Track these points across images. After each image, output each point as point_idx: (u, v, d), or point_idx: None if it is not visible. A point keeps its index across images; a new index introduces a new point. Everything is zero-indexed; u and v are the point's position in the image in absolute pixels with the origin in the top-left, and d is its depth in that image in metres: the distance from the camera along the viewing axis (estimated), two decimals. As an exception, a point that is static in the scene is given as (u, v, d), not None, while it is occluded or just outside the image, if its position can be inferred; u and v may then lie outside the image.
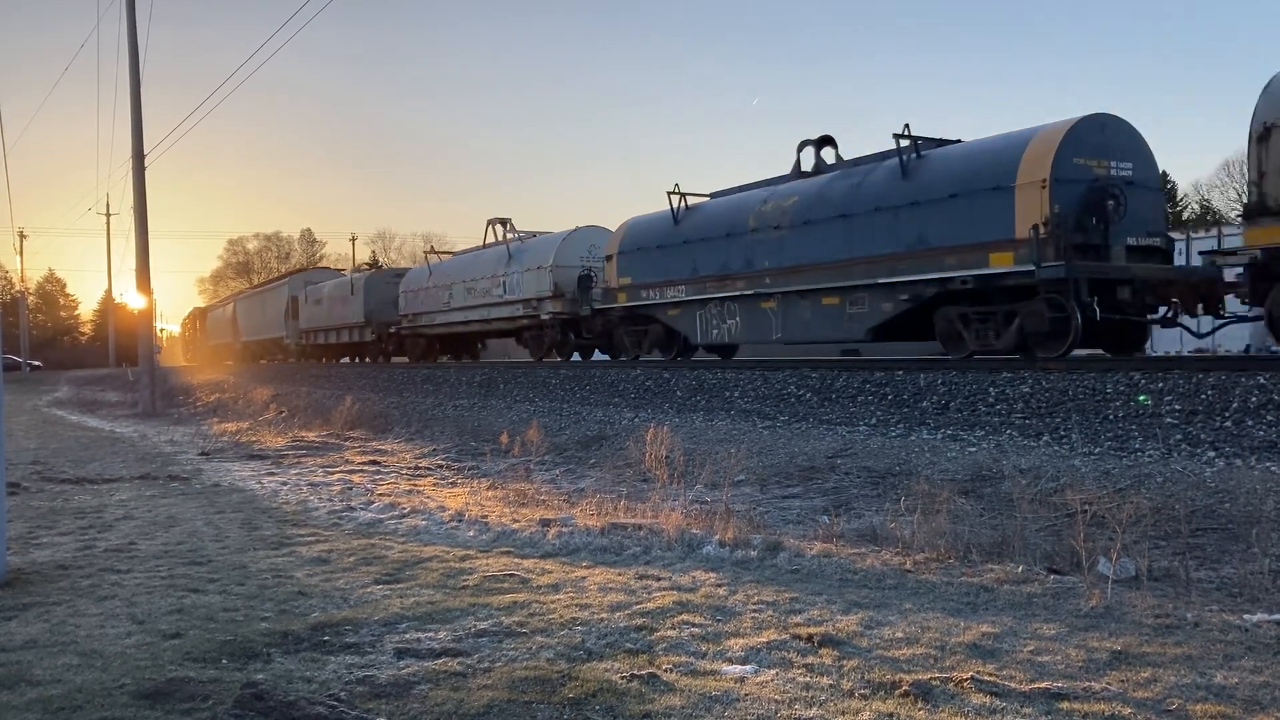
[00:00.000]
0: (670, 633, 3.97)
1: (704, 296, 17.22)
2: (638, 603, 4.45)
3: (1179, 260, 14.78)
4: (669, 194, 18.46)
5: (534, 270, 22.88)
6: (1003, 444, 8.55)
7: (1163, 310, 12.36)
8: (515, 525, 6.58)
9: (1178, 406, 8.46)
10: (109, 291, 68.77)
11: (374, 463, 11.04)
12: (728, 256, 16.75)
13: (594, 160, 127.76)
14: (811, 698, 3.20)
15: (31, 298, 79.69)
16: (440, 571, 5.21)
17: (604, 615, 4.25)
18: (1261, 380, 8.31)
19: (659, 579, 4.95)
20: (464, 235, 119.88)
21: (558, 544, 5.96)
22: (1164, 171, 54.39)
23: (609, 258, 20.09)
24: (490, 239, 26.59)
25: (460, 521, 6.82)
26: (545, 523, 6.55)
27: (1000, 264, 12.12)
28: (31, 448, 13.76)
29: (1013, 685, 3.25)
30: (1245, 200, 11.74)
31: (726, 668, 3.52)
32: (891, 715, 3.04)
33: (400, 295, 30.17)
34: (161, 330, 74.96)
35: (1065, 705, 3.08)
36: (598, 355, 23.00)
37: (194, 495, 8.51)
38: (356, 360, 35.62)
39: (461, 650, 3.77)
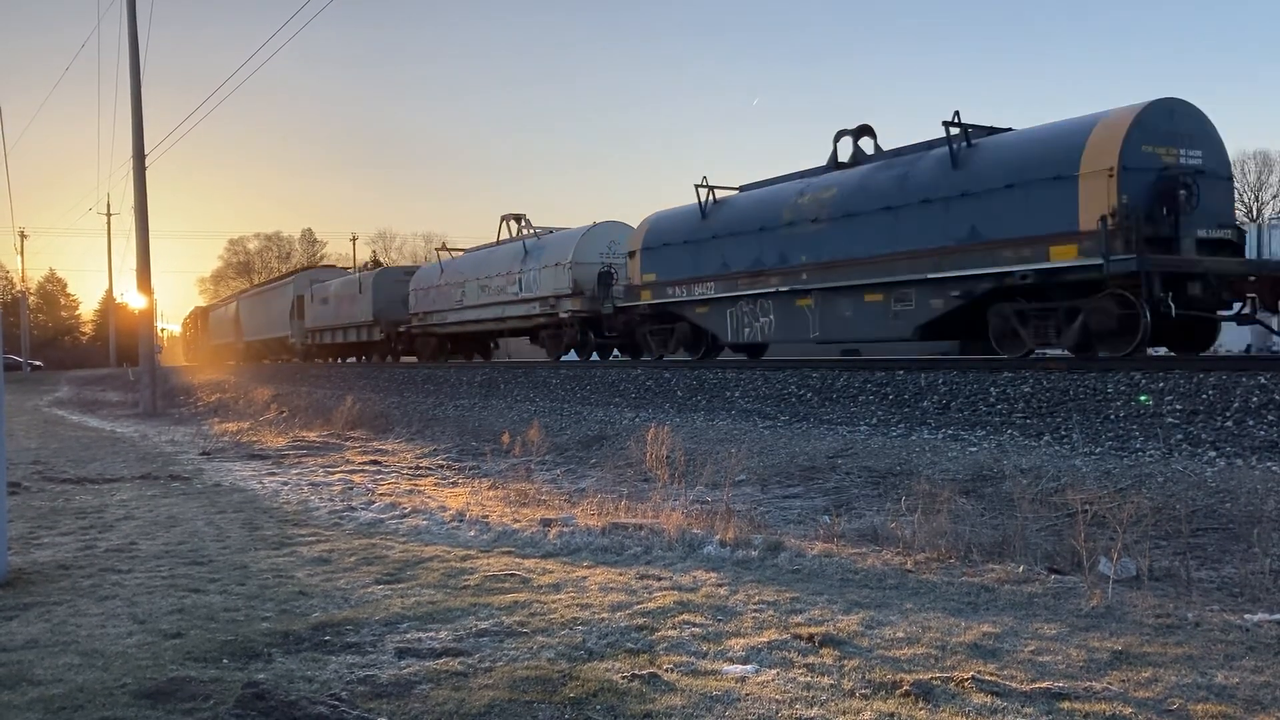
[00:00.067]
0: (671, 632, 3.98)
1: (735, 294, 16.49)
2: (639, 602, 4.45)
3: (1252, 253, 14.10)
4: (696, 187, 17.66)
5: (552, 267, 22.15)
6: (1004, 444, 8.55)
7: (1237, 306, 11.74)
8: (516, 525, 6.58)
9: (1179, 406, 8.46)
10: (110, 291, 68.86)
11: (375, 463, 11.05)
12: (761, 252, 15.99)
13: (594, 160, 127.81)
14: (812, 697, 3.20)
15: (32, 298, 79.72)
16: (441, 571, 5.21)
17: (605, 615, 4.25)
18: (1262, 380, 8.31)
19: (660, 579, 4.95)
20: (464, 235, 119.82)
21: (559, 544, 5.96)
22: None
23: (632, 254, 19.35)
24: (504, 235, 25.85)
25: (461, 521, 6.83)
26: (546, 522, 6.55)
27: (1063, 258, 11.44)
28: (32, 447, 13.76)
29: (1014, 685, 3.25)
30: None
31: (727, 667, 3.53)
32: (892, 715, 3.04)
33: (410, 293, 29.41)
34: (162, 330, 75.01)
35: (1066, 705, 3.08)
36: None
37: (195, 495, 8.52)
38: (364, 360, 34.91)
39: (462, 650, 3.77)
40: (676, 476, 7.28)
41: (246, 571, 5.30)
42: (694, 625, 4.08)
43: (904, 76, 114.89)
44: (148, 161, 22.62)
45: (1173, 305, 10.79)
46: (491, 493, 8.22)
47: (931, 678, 3.32)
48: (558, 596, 4.62)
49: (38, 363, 66.88)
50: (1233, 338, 18.79)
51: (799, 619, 4.15)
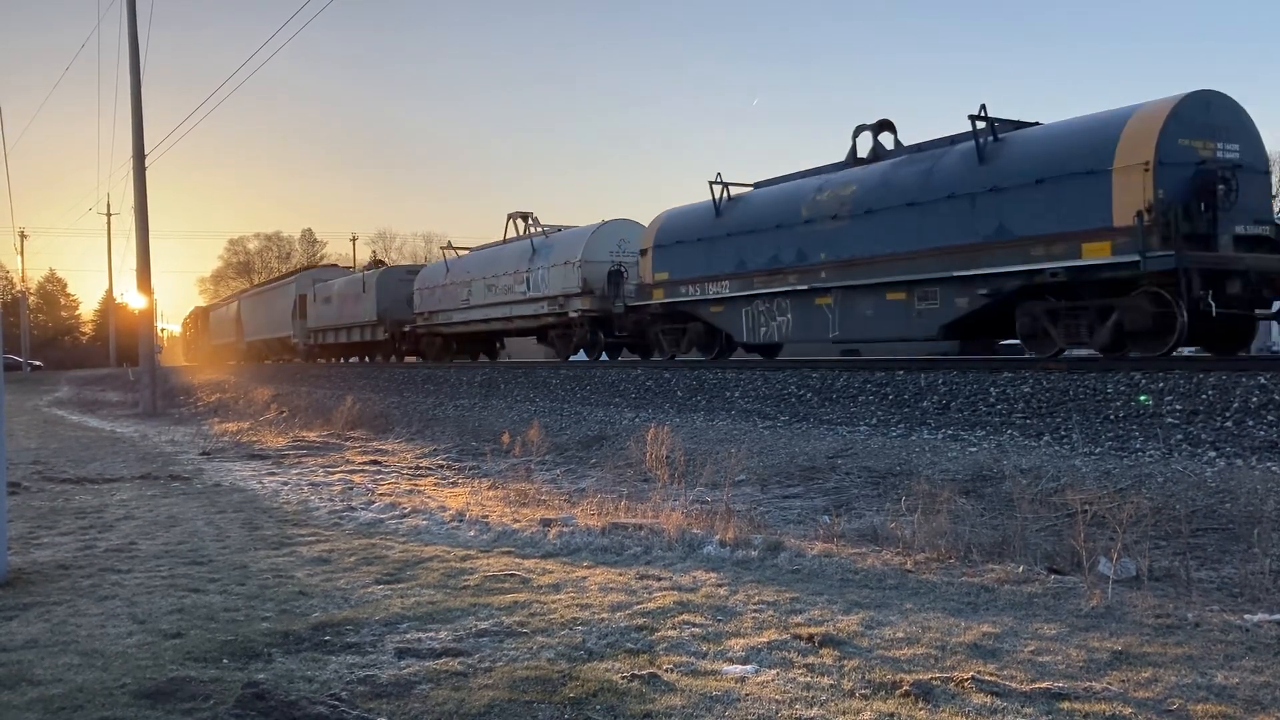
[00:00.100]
0: (671, 633, 3.97)
1: (751, 292, 16.14)
2: (638, 603, 4.45)
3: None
4: (711, 184, 17.28)
5: (560, 266, 21.75)
6: (1003, 444, 8.55)
7: (1277, 305, 11.50)
8: (516, 525, 6.58)
9: (1178, 406, 8.46)
10: (110, 291, 68.87)
11: (375, 463, 11.05)
12: (778, 249, 15.62)
13: (594, 160, 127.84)
14: (812, 698, 3.20)
15: (32, 298, 79.74)
16: (441, 571, 5.21)
17: (605, 615, 4.25)
18: (1262, 380, 8.31)
19: (660, 579, 4.95)
20: (464, 235, 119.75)
21: (558, 544, 5.96)
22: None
23: (644, 252, 18.96)
24: (511, 234, 25.45)
25: (461, 521, 6.82)
26: (546, 523, 6.55)
27: (1096, 255, 11.08)
28: (32, 447, 13.76)
29: (1013, 685, 3.25)
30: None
31: (727, 668, 3.53)
32: (892, 715, 3.04)
33: (415, 293, 29.03)
34: (162, 330, 75.05)
35: (1066, 705, 3.08)
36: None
37: (195, 495, 8.52)
38: (367, 360, 34.44)
39: (462, 650, 3.77)
40: (676, 476, 7.28)
41: (246, 571, 5.30)
42: (694, 625, 4.08)
43: (904, 76, 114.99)
44: (148, 161, 22.64)
45: (1213, 304, 10.47)
46: (491, 493, 8.22)
47: (931, 678, 3.32)
48: (557, 596, 4.62)
49: (37, 363, 66.88)
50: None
51: (799, 619, 4.15)
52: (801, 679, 3.38)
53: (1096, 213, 11.16)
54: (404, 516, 7.14)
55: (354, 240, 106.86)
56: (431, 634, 4.00)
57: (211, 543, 6.18)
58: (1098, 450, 7.90)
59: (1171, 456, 7.42)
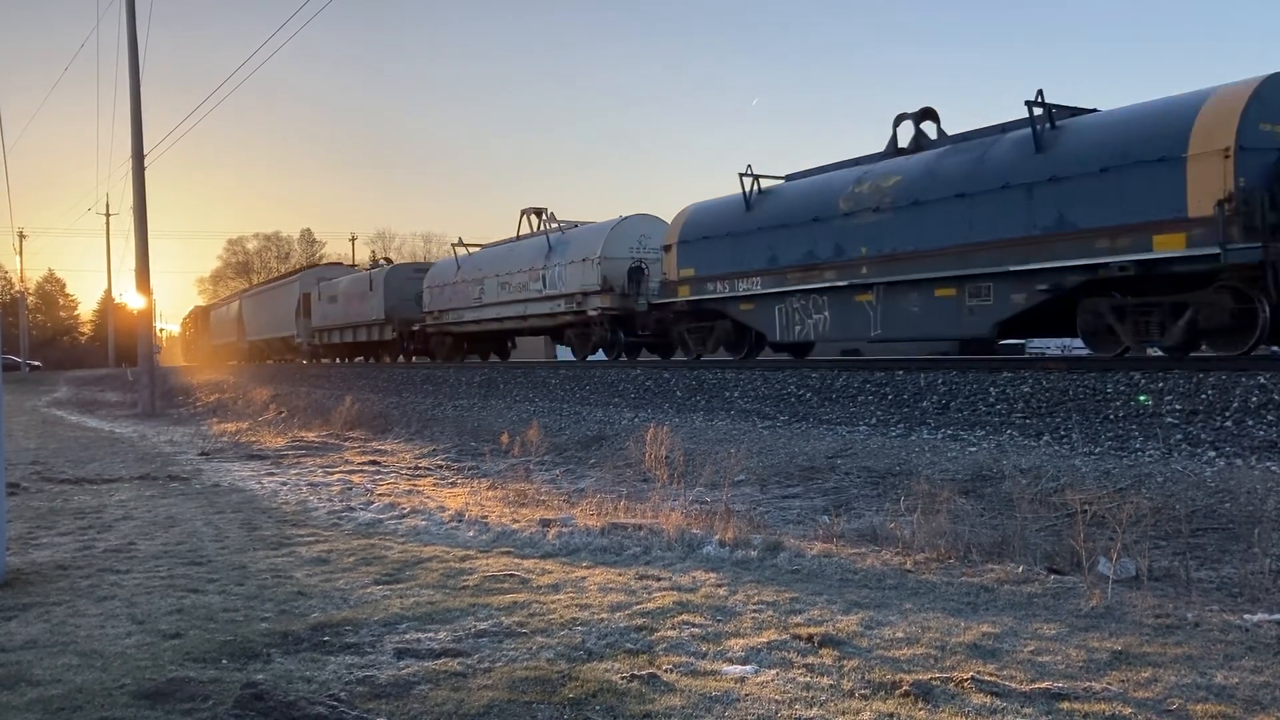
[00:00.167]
0: (670, 633, 3.97)
1: (785, 289, 15.34)
2: (638, 603, 4.45)
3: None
4: (741, 176, 16.43)
5: (579, 262, 20.85)
6: (1003, 444, 8.55)
7: None
8: (515, 525, 6.58)
9: (1178, 406, 8.46)
10: (109, 291, 68.93)
11: (374, 463, 11.04)
12: (814, 244, 14.81)
13: (594, 160, 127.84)
14: (812, 698, 3.20)
15: (31, 298, 79.73)
16: (440, 572, 5.21)
17: (604, 615, 4.25)
18: (1262, 380, 8.31)
19: (659, 579, 4.95)
20: (464, 235, 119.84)
21: (558, 544, 5.96)
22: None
23: (667, 248, 18.13)
24: (525, 230, 24.67)
25: (460, 522, 6.82)
26: (545, 523, 6.55)
27: (1168, 247, 10.35)
28: (31, 448, 13.75)
29: (1013, 685, 3.25)
30: None
31: (727, 668, 3.52)
32: (892, 715, 3.03)
33: (424, 291, 28.05)
34: (161, 330, 75.09)
35: (1066, 705, 3.08)
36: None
37: (194, 495, 8.51)
38: (374, 361, 33.60)
39: (461, 650, 3.77)
40: (675, 476, 7.28)
41: (245, 572, 5.30)
42: (693, 625, 4.07)
43: (905, 75, 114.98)
44: (147, 161, 22.63)
45: None
46: (490, 493, 8.21)
47: (931, 678, 3.32)
48: (557, 597, 4.62)
49: (36, 363, 66.87)
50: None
51: (798, 619, 4.14)
52: (801, 679, 3.38)
53: (1169, 203, 10.44)
54: (403, 517, 7.13)
55: (353, 240, 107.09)
56: (431, 634, 4.00)
57: (210, 543, 6.18)
58: (1097, 450, 7.90)
59: (1171, 456, 7.42)
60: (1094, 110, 12.42)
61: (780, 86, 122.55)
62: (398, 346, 31.04)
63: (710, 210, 17.74)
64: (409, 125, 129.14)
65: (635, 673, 3.43)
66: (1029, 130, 12.01)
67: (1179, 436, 7.84)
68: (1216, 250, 9.95)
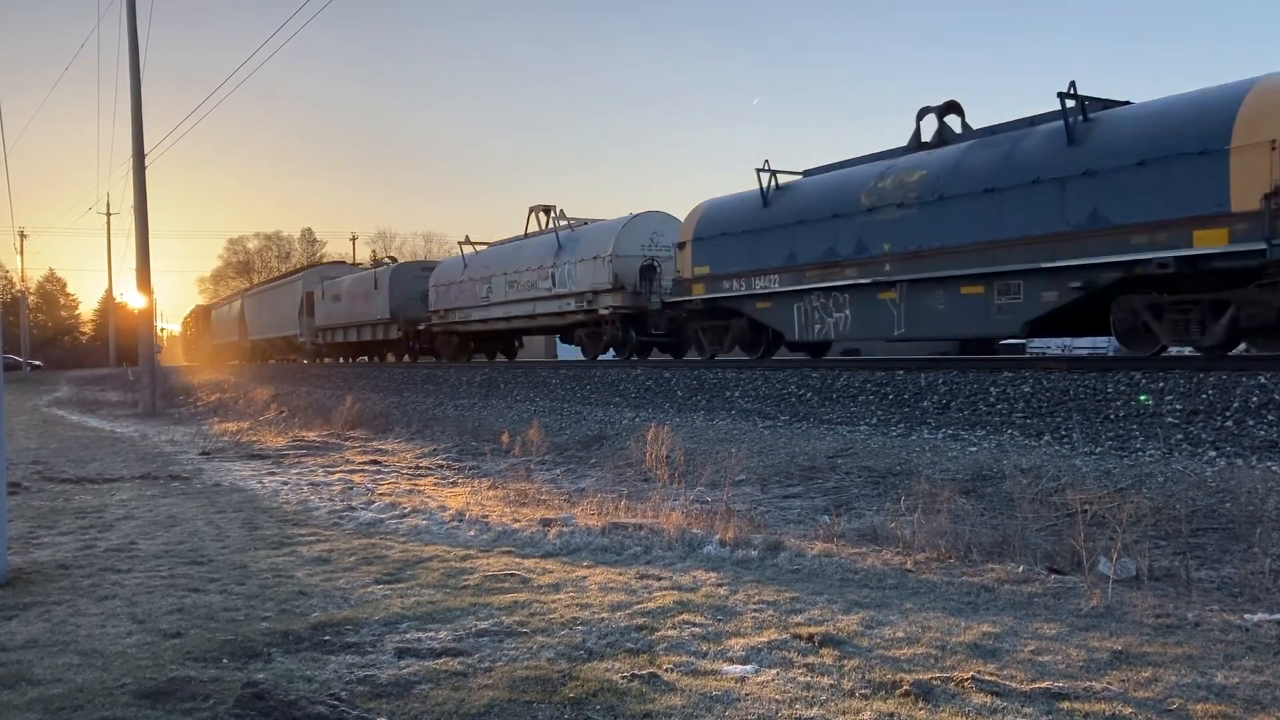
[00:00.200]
0: (671, 632, 3.97)
1: (804, 287, 14.95)
2: (638, 602, 4.45)
3: None
4: (758, 171, 16.06)
5: (589, 260, 20.48)
6: (1004, 443, 8.55)
7: None
8: (516, 525, 6.58)
9: (1178, 406, 8.46)
10: (109, 291, 68.98)
11: (375, 462, 11.05)
12: (835, 240, 14.41)
13: (594, 160, 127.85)
14: (812, 697, 3.20)
15: (32, 297, 79.79)
16: (441, 571, 5.21)
17: (605, 615, 4.25)
18: (1262, 380, 8.31)
19: (660, 579, 4.95)
20: (465, 235, 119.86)
21: (558, 544, 5.96)
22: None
23: (681, 245, 17.67)
24: (533, 228, 24.21)
25: (461, 521, 6.82)
26: (546, 522, 6.55)
27: (1210, 243, 10.00)
28: (32, 447, 13.76)
29: (1013, 685, 3.25)
30: None
31: (727, 667, 3.52)
32: (892, 715, 3.04)
33: (430, 290, 27.68)
34: (162, 330, 75.09)
35: (1066, 705, 3.08)
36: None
37: (195, 495, 8.52)
38: (378, 360, 33.34)
39: (462, 650, 3.77)
40: (676, 476, 7.28)
41: (246, 571, 5.30)
42: (694, 625, 4.08)
43: (905, 75, 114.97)
44: (147, 161, 22.65)
45: None
46: (491, 492, 8.22)
47: (931, 678, 3.32)
48: (557, 596, 4.62)
49: (37, 362, 66.93)
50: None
51: (799, 619, 4.15)
52: (801, 679, 3.38)
53: (1210, 197, 10.07)
54: (404, 516, 7.14)
55: (354, 240, 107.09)
56: (431, 634, 4.00)
57: (211, 542, 6.18)
58: (1098, 450, 7.90)
59: (1171, 456, 7.42)
60: (1127, 103, 12.09)
61: (780, 86, 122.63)
62: (403, 346, 30.69)
63: (726, 206, 17.33)
64: (409, 125, 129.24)
65: (636, 672, 3.43)
66: (1060, 123, 11.69)
67: (1179, 436, 7.84)
68: (1262, 246, 9.61)
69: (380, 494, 8.35)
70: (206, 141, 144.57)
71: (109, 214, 62.42)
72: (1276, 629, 3.84)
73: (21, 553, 5.88)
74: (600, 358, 20.89)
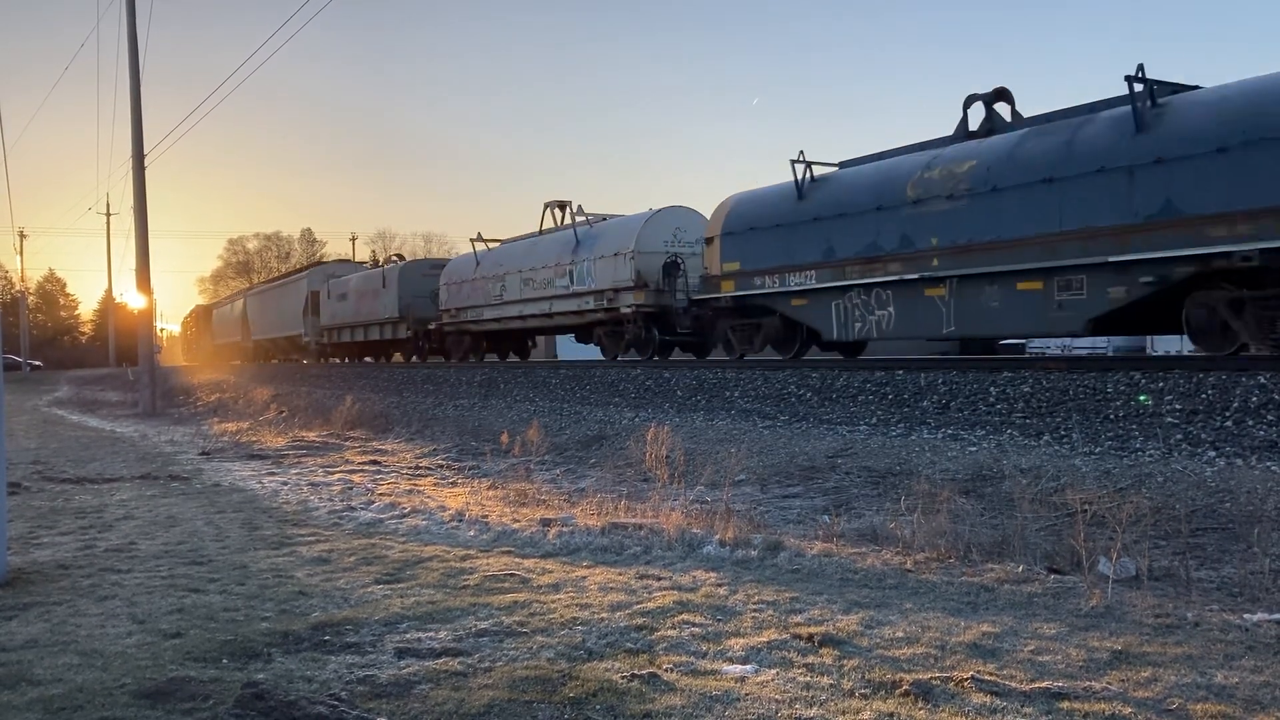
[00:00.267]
0: (671, 632, 3.98)
1: (843, 283, 14.23)
2: (638, 602, 4.45)
3: None
4: (793, 163, 15.36)
5: (610, 257, 19.68)
6: (1003, 443, 8.55)
7: None
8: (516, 525, 6.58)
9: (1178, 406, 8.46)
10: (109, 291, 68.97)
11: (374, 462, 11.05)
12: (877, 234, 13.71)
13: (594, 160, 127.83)
14: (812, 697, 3.20)
15: (31, 297, 79.80)
16: (441, 571, 5.21)
17: (604, 615, 4.25)
18: (1262, 380, 8.31)
19: (659, 579, 4.95)
20: (464, 235, 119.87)
21: (558, 544, 5.96)
22: None
23: (709, 240, 16.92)
24: (548, 224, 23.49)
25: (461, 521, 6.82)
26: (546, 522, 6.55)
27: None
28: (32, 447, 13.76)
29: (1013, 685, 3.25)
30: None
31: (727, 667, 3.52)
32: (892, 715, 3.04)
33: (441, 288, 26.86)
34: (162, 330, 75.09)
35: (1066, 705, 3.08)
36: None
37: (194, 495, 8.52)
38: (386, 360, 32.76)
39: (462, 650, 3.77)
40: (676, 476, 7.28)
41: (246, 571, 5.30)
42: (693, 625, 4.08)
43: (904, 75, 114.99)
44: (147, 161, 22.64)
45: None
46: (491, 492, 8.22)
47: (931, 677, 3.32)
48: (557, 596, 4.62)
49: (37, 363, 66.94)
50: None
51: (798, 619, 4.15)
52: (801, 679, 3.38)
53: None
54: (403, 516, 7.14)
55: (353, 240, 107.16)
56: (431, 634, 4.00)
57: (211, 543, 6.18)
58: (1098, 450, 7.90)
59: (1171, 456, 7.42)
60: (1196, 87, 11.43)
61: (780, 86, 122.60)
62: (412, 345, 30.07)
63: (757, 200, 16.59)
64: (409, 125, 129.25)
65: (635, 672, 3.43)
66: (1127, 109, 11.02)
67: (1179, 436, 7.84)
68: None
69: (380, 494, 8.35)
70: (206, 141, 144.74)
71: (109, 214, 62.48)
72: (1276, 629, 3.84)
73: (21, 553, 5.88)
74: (620, 358, 20.26)
